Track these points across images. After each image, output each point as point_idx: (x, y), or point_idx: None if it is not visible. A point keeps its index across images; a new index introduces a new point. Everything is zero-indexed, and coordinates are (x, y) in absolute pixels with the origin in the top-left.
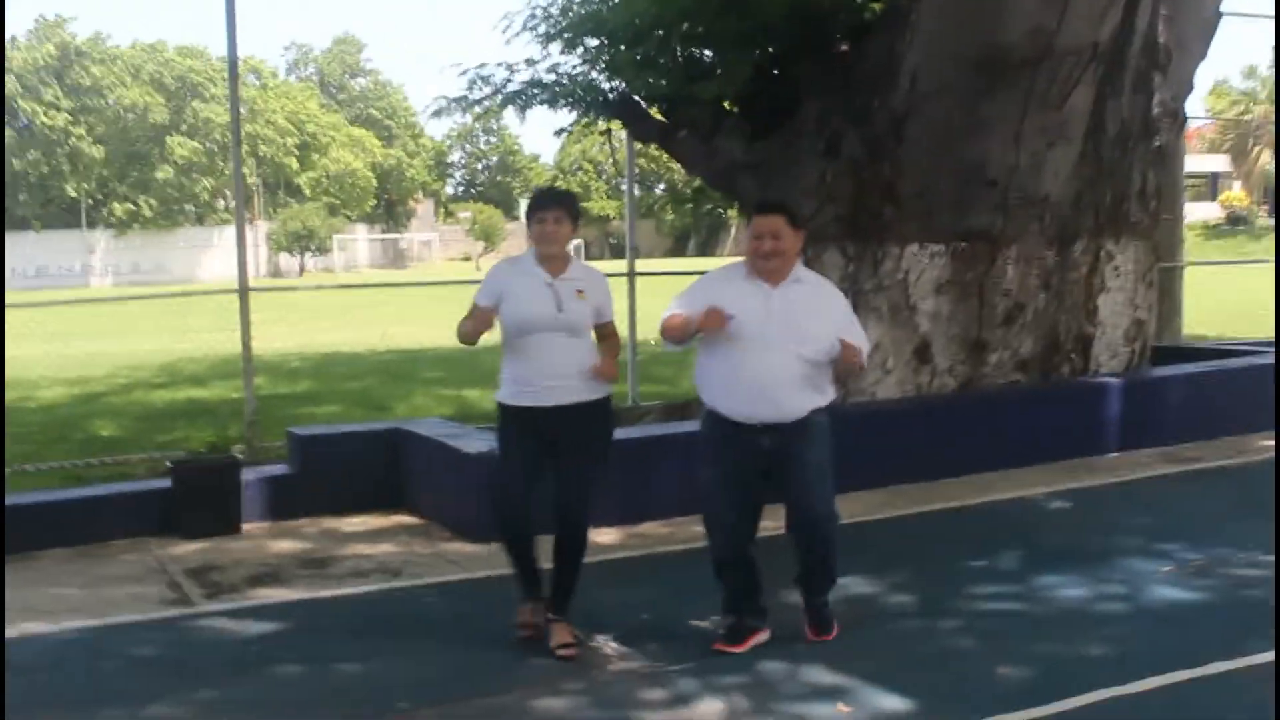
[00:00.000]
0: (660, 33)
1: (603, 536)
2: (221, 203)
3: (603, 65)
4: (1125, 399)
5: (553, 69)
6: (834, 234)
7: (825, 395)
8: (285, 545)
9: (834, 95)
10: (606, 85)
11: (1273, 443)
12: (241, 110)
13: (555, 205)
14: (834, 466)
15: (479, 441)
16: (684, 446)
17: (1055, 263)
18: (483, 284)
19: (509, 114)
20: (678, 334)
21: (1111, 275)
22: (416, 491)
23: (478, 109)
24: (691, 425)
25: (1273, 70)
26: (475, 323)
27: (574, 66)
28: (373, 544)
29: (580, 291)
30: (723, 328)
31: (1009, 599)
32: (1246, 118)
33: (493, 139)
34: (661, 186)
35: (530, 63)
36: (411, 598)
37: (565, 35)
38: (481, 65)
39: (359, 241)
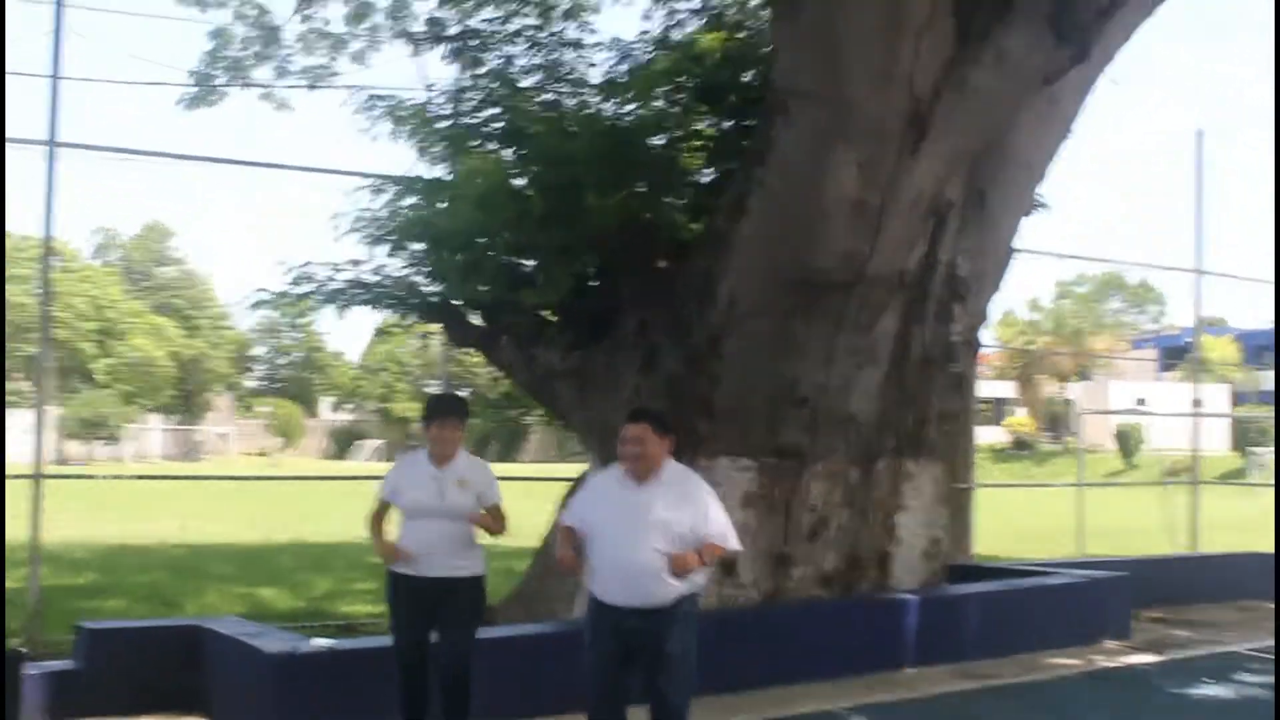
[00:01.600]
0: (484, 240)
1: None
2: (9, 385)
3: (427, 269)
4: (922, 615)
5: (377, 270)
6: None
7: (691, 584)
8: None
9: (654, 309)
10: (429, 289)
11: (1064, 661)
12: (40, 293)
13: (451, 414)
14: (694, 658)
15: (278, 641)
16: None
17: (859, 480)
18: (384, 480)
19: (313, 312)
20: (566, 566)
21: (911, 494)
22: (212, 692)
23: (300, 305)
24: None
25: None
26: (377, 516)
27: (399, 269)
28: None
29: (462, 481)
30: (575, 571)
31: None
32: (1031, 347)
33: (298, 335)
34: (468, 391)
35: (355, 263)
36: None
37: (391, 238)
38: (306, 263)
39: (153, 431)
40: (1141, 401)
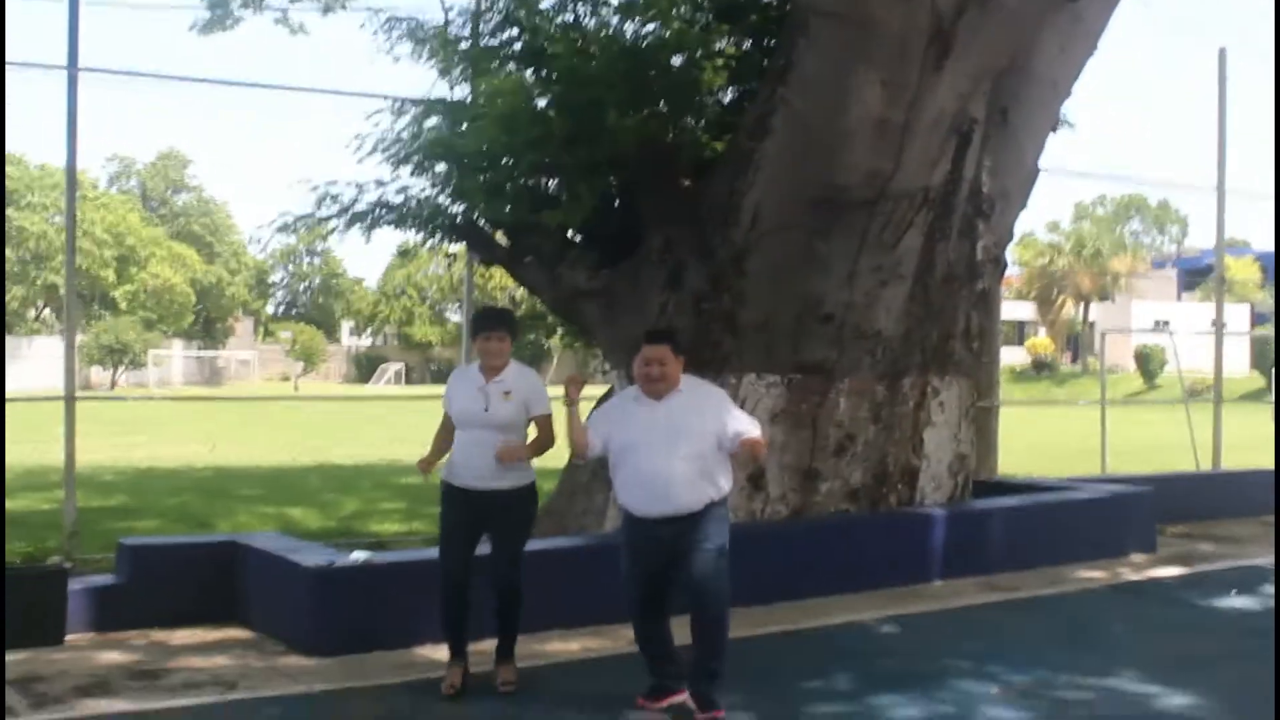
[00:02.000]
0: (507, 160)
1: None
2: (33, 312)
3: (450, 190)
4: (949, 529)
5: (402, 190)
6: None
7: (719, 488)
8: (113, 656)
9: (678, 228)
10: (454, 210)
11: (1089, 574)
12: (59, 220)
13: (498, 326)
14: (727, 557)
15: (317, 555)
16: None
17: (885, 397)
18: (446, 395)
19: (332, 236)
20: (576, 444)
21: (937, 410)
22: (250, 605)
23: (325, 226)
24: None
25: (1075, 223)
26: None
27: (422, 190)
28: (205, 657)
29: (507, 393)
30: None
31: (846, 718)
32: (1051, 269)
33: (316, 260)
34: None
35: (380, 183)
36: (250, 711)
37: (415, 159)
38: (332, 182)
39: (174, 358)
40: (1165, 323)
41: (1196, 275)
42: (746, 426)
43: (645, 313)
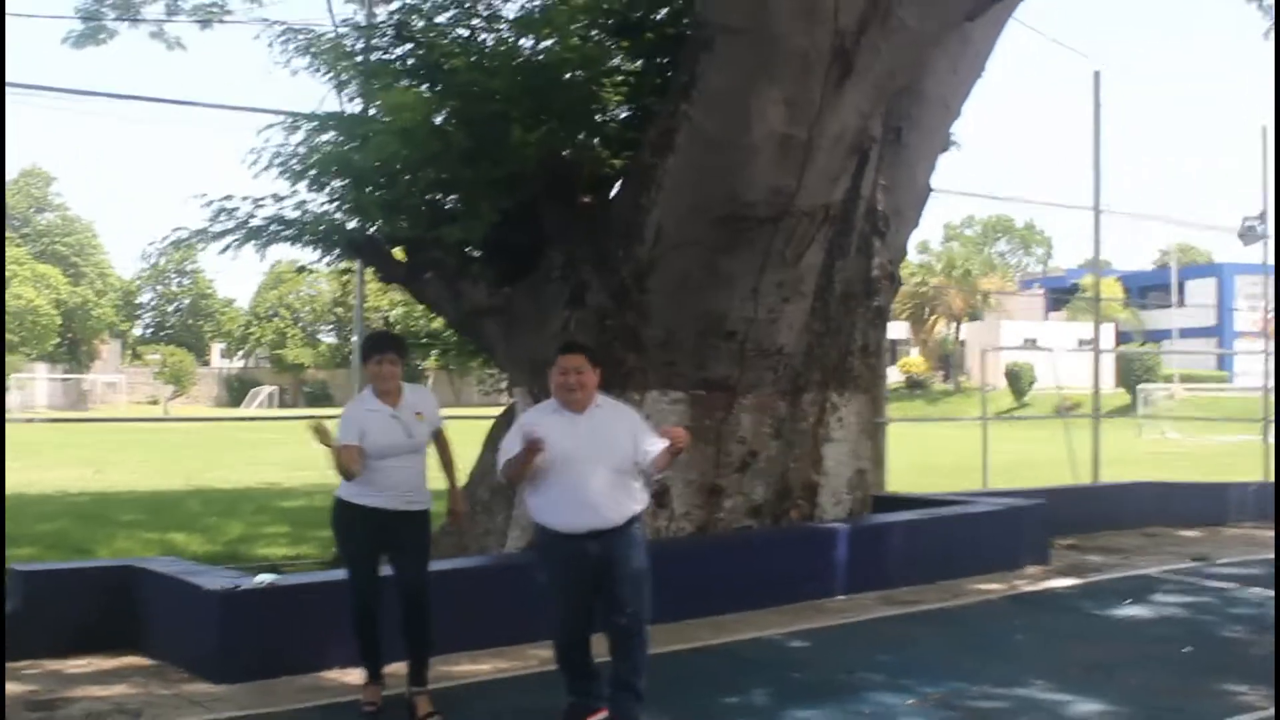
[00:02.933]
0: (405, 176)
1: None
2: None
3: (348, 206)
4: (850, 545)
5: (299, 206)
6: None
7: (639, 501)
8: (7, 687)
9: (579, 244)
10: (351, 225)
11: (987, 586)
12: None
13: (390, 349)
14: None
15: (220, 579)
16: None
17: (787, 413)
18: (342, 426)
19: (204, 257)
20: (515, 475)
21: (836, 426)
22: (149, 631)
23: (220, 242)
24: None
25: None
26: (351, 457)
27: (320, 205)
28: (105, 685)
29: (419, 414)
30: (542, 451)
31: None
32: (923, 289)
33: (185, 281)
34: (357, 337)
35: (277, 198)
36: None
37: (311, 173)
38: (227, 197)
39: (38, 381)
40: (1033, 341)
41: (1062, 295)
42: (658, 443)
43: (547, 330)
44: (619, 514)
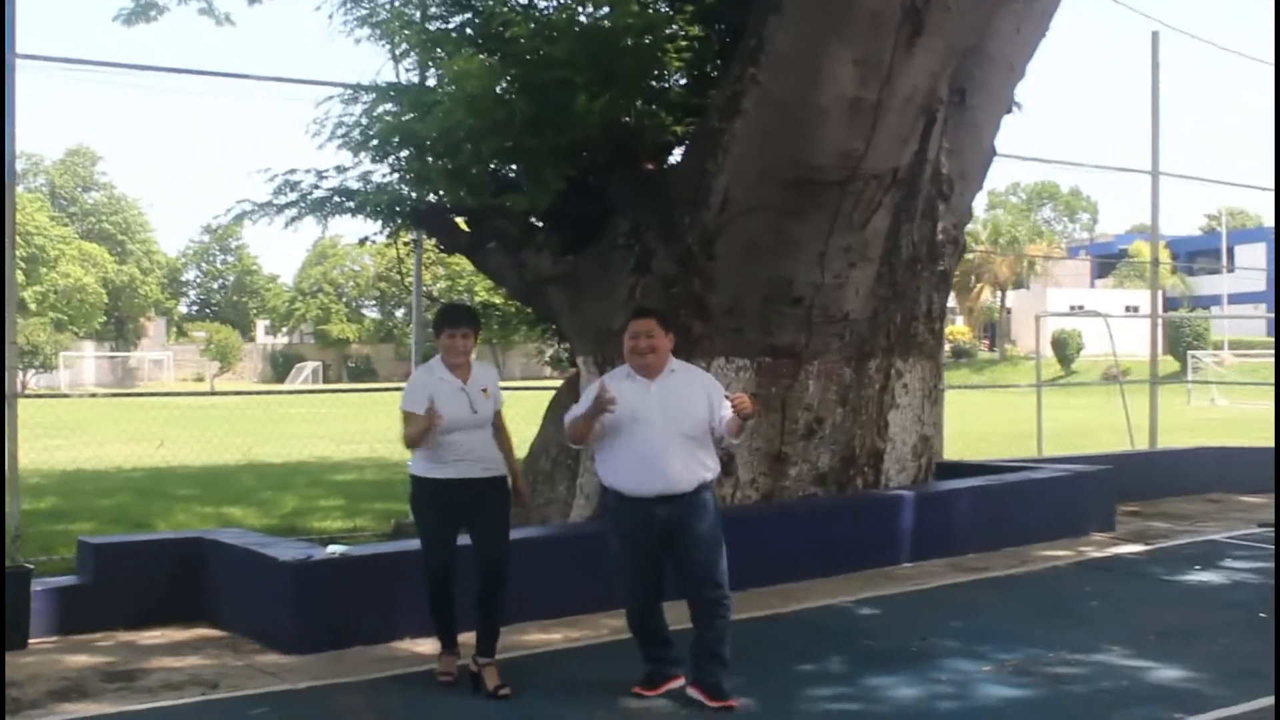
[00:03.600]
0: (470, 146)
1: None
2: None
3: (411, 176)
4: (916, 511)
5: (363, 177)
6: None
7: (710, 469)
8: (82, 659)
9: (644, 211)
10: (414, 196)
11: (1054, 552)
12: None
13: (464, 324)
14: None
15: (291, 550)
16: None
17: (852, 379)
18: (408, 392)
19: (249, 233)
20: (579, 432)
21: (901, 392)
22: (219, 603)
23: (283, 215)
24: None
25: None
26: (421, 424)
27: (382, 176)
28: (179, 657)
29: (485, 390)
30: (610, 409)
31: (846, 700)
32: (969, 256)
33: (230, 258)
34: (402, 311)
35: (340, 169)
36: (236, 710)
37: (373, 144)
38: (291, 170)
39: (86, 359)
40: (1080, 308)
41: (1109, 261)
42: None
43: (613, 298)
44: (689, 479)
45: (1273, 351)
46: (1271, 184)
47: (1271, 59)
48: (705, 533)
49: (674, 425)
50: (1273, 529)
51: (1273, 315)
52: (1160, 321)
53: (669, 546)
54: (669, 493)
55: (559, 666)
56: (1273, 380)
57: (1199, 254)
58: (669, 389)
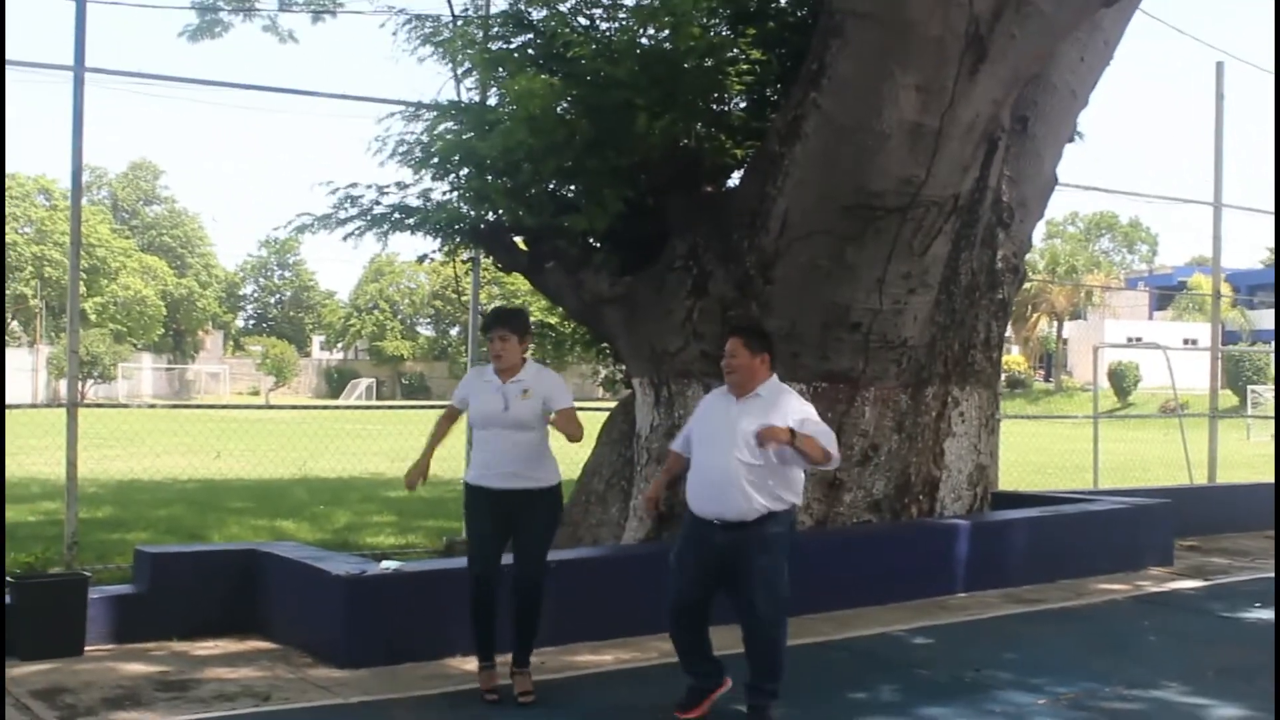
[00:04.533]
0: (530, 165)
1: None
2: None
3: (471, 194)
4: (971, 541)
5: (423, 194)
6: (699, 370)
7: (779, 500)
8: (137, 667)
9: (703, 233)
10: (473, 214)
11: (1110, 586)
12: (28, 231)
13: (500, 326)
14: (785, 576)
15: (345, 564)
16: None
17: (909, 406)
18: (458, 388)
19: (306, 249)
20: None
21: (957, 420)
22: (272, 615)
23: (343, 230)
24: None
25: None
26: (447, 414)
27: (443, 193)
28: (232, 668)
29: (525, 391)
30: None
31: None
32: (1026, 286)
33: (287, 273)
34: (456, 329)
35: (401, 186)
36: None
37: (433, 162)
38: (353, 184)
39: (144, 370)
40: (1138, 340)
41: (1168, 293)
42: (817, 431)
43: (669, 320)
44: (749, 508)
45: None
46: None
47: None
48: (759, 569)
49: (741, 447)
50: None
51: None
52: (1219, 355)
53: (723, 573)
54: (726, 519)
55: (609, 687)
56: None
57: (1259, 288)
58: (746, 411)
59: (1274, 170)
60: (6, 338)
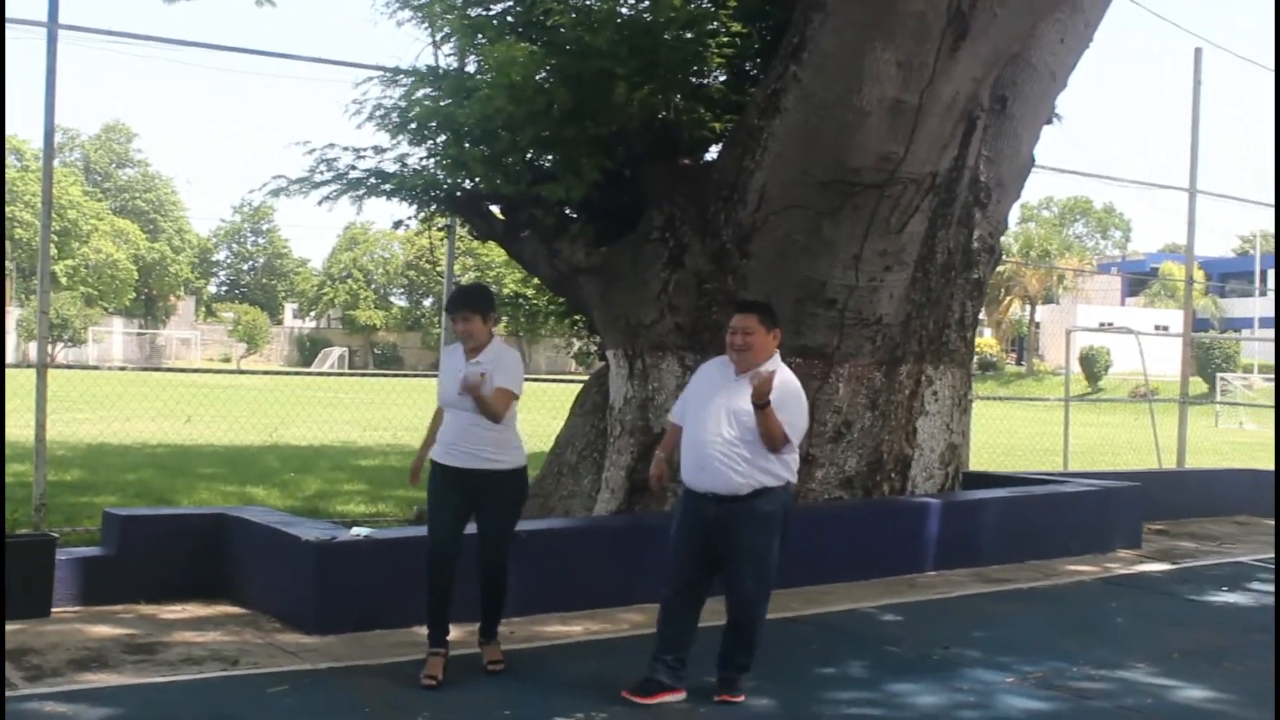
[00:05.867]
0: (508, 133)
1: None
2: None
3: (448, 161)
4: (942, 520)
5: (399, 159)
6: (674, 344)
7: (773, 476)
8: (104, 630)
9: (680, 205)
10: (450, 181)
11: (1079, 567)
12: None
13: (463, 306)
14: (775, 555)
15: (315, 530)
16: None
17: (882, 384)
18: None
19: (280, 216)
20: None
21: (930, 399)
22: (241, 580)
23: (318, 193)
24: None
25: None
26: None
27: (419, 159)
28: (200, 632)
29: (483, 375)
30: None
31: (866, 705)
32: (999, 269)
33: (261, 240)
34: (430, 300)
35: (377, 150)
36: (255, 688)
37: (411, 127)
38: (329, 146)
39: (114, 335)
40: (1109, 325)
41: (1140, 279)
42: (789, 420)
43: (644, 292)
44: (739, 481)
45: None
46: None
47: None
48: (748, 545)
49: (729, 423)
50: None
51: None
52: (1191, 341)
53: (714, 547)
54: (717, 492)
55: (577, 658)
56: None
57: (1231, 275)
58: (743, 387)
59: (1274, 166)
60: None
